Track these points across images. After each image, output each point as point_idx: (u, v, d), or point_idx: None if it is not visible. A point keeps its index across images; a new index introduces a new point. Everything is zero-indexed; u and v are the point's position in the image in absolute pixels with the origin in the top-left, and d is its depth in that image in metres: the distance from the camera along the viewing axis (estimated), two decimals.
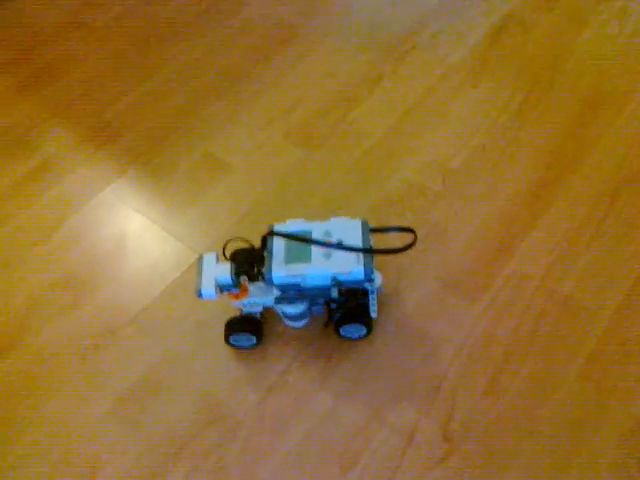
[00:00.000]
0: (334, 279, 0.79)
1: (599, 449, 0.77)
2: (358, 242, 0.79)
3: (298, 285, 0.80)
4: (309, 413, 0.83)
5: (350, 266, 0.78)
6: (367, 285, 0.84)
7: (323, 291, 0.81)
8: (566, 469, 0.76)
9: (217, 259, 0.82)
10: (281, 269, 0.79)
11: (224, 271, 0.80)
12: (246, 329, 0.86)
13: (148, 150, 1.16)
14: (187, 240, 1.03)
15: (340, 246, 0.77)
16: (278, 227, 0.83)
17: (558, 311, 0.88)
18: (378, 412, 0.82)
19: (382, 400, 0.83)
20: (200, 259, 0.82)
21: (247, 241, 0.85)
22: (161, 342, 0.91)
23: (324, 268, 0.78)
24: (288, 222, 0.83)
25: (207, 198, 1.08)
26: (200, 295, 0.79)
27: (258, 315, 0.88)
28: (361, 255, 0.79)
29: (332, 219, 0.83)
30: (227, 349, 0.89)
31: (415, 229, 0.79)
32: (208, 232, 1.03)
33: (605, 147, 1.06)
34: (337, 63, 1.27)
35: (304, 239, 0.78)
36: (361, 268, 0.78)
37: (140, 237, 1.04)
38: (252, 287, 0.85)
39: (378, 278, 0.87)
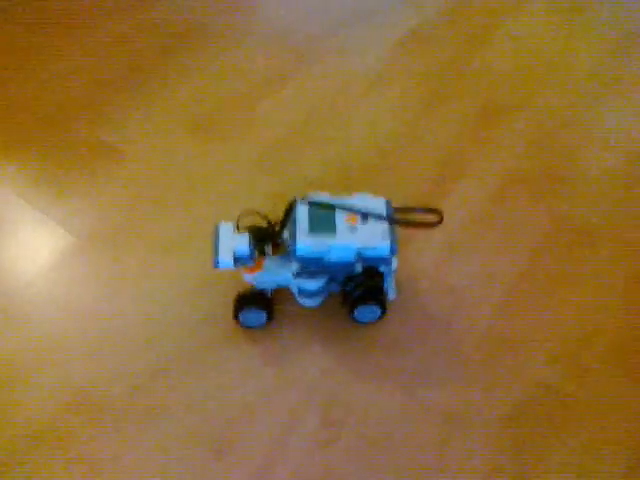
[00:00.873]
0: (358, 254, 0.77)
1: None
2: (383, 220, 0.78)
3: (321, 258, 0.77)
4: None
5: (376, 241, 0.76)
6: (383, 267, 0.80)
7: (346, 267, 0.79)
8: None
9: (234, 230, 0.79)
10: (307, 239, 0.76)
11: (242, 241, 0.77)
12: (257, 304, 0.82)
13: (40, 135, 1.10)
14: (68, 225, 0.97)
15: (375, 215, 0.77)
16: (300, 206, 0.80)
17: (449, 302, 0.89)
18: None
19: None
20: (216, 229, 0.79)
21: (262, 214, 0.82)
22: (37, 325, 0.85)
23: (350, 241, 0.76)
24: (310, 194, 0.81)
25: (96, 185, 1.03)
26: (217, 264, 0.76)
27: (269, 293, 0.84)
28: (387, 230, 0.77)
29: (356, 195, 0.81)
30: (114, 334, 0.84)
31: None
32: (93, 218, 0.98)
33: (498, 150, 1.10)
34: (245, 63, 1.27)
35: (337, 206, 0.77)
36: (387, 243, 0.76)
37: (19, 221, 0.98)
38: (266, 262, 0.82)
39: (394, 260, 0.82)
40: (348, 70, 1.26)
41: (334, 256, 0.77)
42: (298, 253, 0.76)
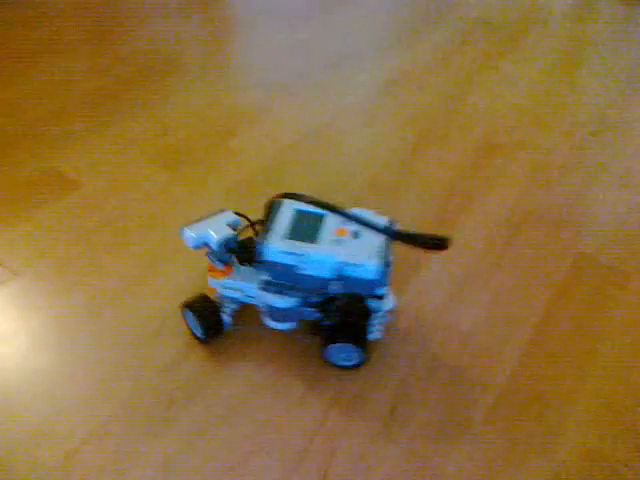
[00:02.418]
0: (338, 271, 0.62)
1: None
2: (379, 241, 0.63)
3: (293, 268, 0.63)
4: None
5: (360, 258, 0.61)
6: (373, 300, 0.65)
7: (321, 284, 0.64)
8: None
9: (233, 225, 0.68)
10: (279, 242, 0.62)
11: (221, 233, 0.66)
12: (203, 313, 0.68)
13: None
14: (3, 259, 0.80)
15: (363, 222, 0.60)
16: (282, 210, 0.67)
17: (458, 349, 0.74)
18: None
19: None
20: (221, 210, 0.69)
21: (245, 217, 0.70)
22: None
23: (330, 253, 0.62)
24: (287, 203, 0.68)
25: (44, 215, 0.88)
26: (181, 233, 0.67)
27: (229, 311, 0.71)
28: (378, 250, 0.62)
29: (355, 209, 0.66)
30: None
31: None
32: (34, 252, 0.82)
33: (499, 189, 0.99)
34: (220, 96, 1.16)
35: (324, 204, 0.61)
36: (373, 264, 0.61)
37: None
38: (236, 269, 0.70)
39: (390, 299, 0.69)
40: (335, 106, 1.17)
41: (309, 268, 0.63)
42: (265, 256, 0.63)
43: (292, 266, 0.63)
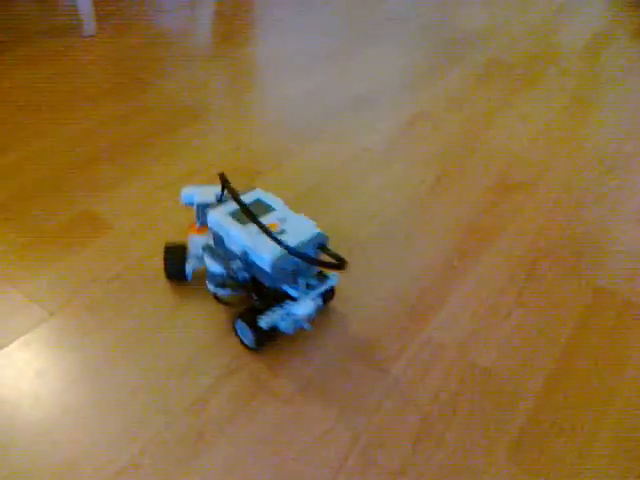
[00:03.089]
0: (246, 254, 0.73)
1: None
2: (298, 243, 0.71)
3: (223, 240, 0.75)
4: None
5: (262, 248, 0.70)
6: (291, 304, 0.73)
7: (237, 261, 0.74)
8: None
9: (229, 196, 0.78)
10: (218, 214, 0.75)
11: (205, 197, 0.79)
12: (174, 257, 0.83)
13: (21, 205, 1.01)
14: (40, 299, 0.84)
15: (261, 227, 0.70)
16: (245, 195, 0.79)
17: (479, 385, 0.75)
18: None
19: None
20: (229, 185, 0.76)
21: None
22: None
23: (242, 235, 0.72)
24: (258, 191, 0.80)
25: (76, 257, 0.92)
26: (181, 191, 0.82)
27: (191, 265, 0.83)
28: (280, 250, 0.70)
29: (300, 215, 0.76)
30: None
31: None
32: (69, 293, 0.86)
33: (518, 226, 1.01)
34: (243, 141, 1.21)
35: (240, 202, 0.71)
36: (269, 257, 0.69)
37: None
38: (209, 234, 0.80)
39: (306, 306, 0.73)
40: (351, 149, 1.20)
41: (230, 244, 0.74)
42: (208, 222, 0.76)
43: (222, 237, 0.74)
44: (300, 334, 0.81)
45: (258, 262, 0.71)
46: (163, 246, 0.82)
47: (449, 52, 1.63)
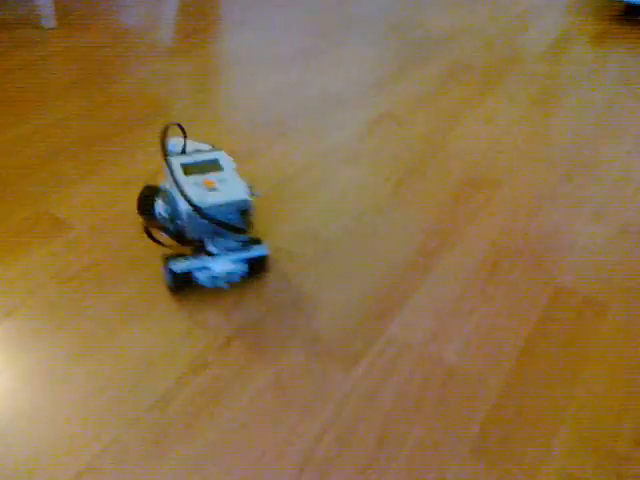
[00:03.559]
0: (174, 199, 0.80)
1: None
2: (219, 203, 0.78)
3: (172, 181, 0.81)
4: None
5: (179, 198, 0.78)
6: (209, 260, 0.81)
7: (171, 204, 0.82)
8: None
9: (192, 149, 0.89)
10: (173, 162, 0.83)
11: (175, 143, 0.91)
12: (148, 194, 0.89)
13: None
14: None
15: (176, 183, 0.78)
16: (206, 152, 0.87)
17: (443, 382, 0.75)
18: None
19: None
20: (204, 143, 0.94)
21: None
22: None
23: (176, 178, 0.79)
24: (221, 152, 0.87)
25: (35, 256, 0.89)
26: (169, 140, 0.90)
27: (159, 204, 0.85)
28: (205, 198, 0.78)
29: (242, 181, 0.82)
30: None
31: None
32: (26, 293, 0.83)
33: (480, 225, 1.02)
34: (208, 137, 1.19)
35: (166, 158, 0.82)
36: (185, 209, 0.77)
37: None
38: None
39: (223, 264, 0.79)
40: (317, 147, 1.20)
41: (172, 189, 0.82)
42: (169, 160, 0.82)
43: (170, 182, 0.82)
44: (266, 333, 0.80)
45: (175, 206, 0.80)
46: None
47: (416, 53, 1.65)
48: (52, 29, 1.56)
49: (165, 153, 0.82)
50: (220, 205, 0.78)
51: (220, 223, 0.77)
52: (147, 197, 0.90)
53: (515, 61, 1.64)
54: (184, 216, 0.78)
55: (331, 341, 0.80)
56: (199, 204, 0.76)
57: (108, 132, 1.19)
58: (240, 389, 0.73)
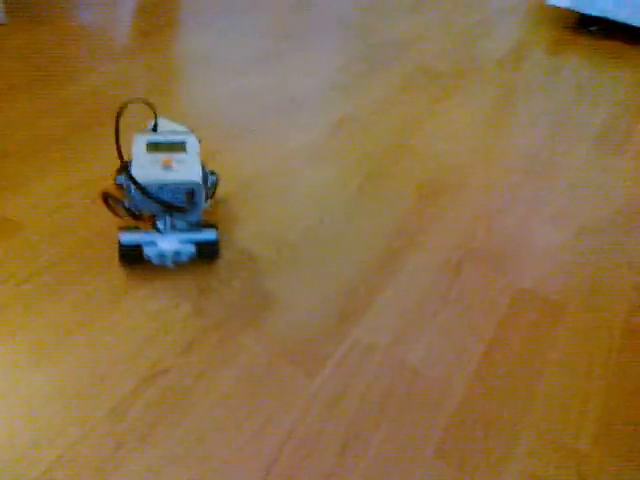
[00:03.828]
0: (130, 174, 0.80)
1: None
2: (165, 181, 0.80)
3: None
4: None
5: (135, 172, 0.80)
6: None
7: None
8: None
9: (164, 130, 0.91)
10: (142, 136, 0.87)
11: (162, 125, 0.92)
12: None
13: None
14: None
15: (122, 162, 0.79)
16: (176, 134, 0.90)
17: (407, 385, 0.75)
18: None
19: None
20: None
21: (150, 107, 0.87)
22: None
23: (136, 157, 0.83)
24: (191, 136, 0.89)
25: None
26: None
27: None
28: (150, 182, 0.79)
29: (199, 165, 0.84)
30: None
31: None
32: None
33: (443, 227, 1.03)
34: None
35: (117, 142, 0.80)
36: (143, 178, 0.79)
37: None
38: None
39: (171, 243, 0.82)
40: (279, 150, 1.19)
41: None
42: (135, 137, 0.87)
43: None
44: (229, 337, 0.78)
45: (129, 184, 0.80)
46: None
47: (378, 57, 1.65)
48: (2, 25, 1.50)
49: (117, 128, 0.79)
50: (165, 184, 0.79)
51: (158, 200, 0.79)
52: (119, 170, 0.92)
53: (474, 67, 1.66)
54: (131, 190, 0.79)
55: (295, 344, 0.79)
56: (145, 181, 0.78)
57: (61, 134, 1.15)
58: (201, 395, 0.71)
